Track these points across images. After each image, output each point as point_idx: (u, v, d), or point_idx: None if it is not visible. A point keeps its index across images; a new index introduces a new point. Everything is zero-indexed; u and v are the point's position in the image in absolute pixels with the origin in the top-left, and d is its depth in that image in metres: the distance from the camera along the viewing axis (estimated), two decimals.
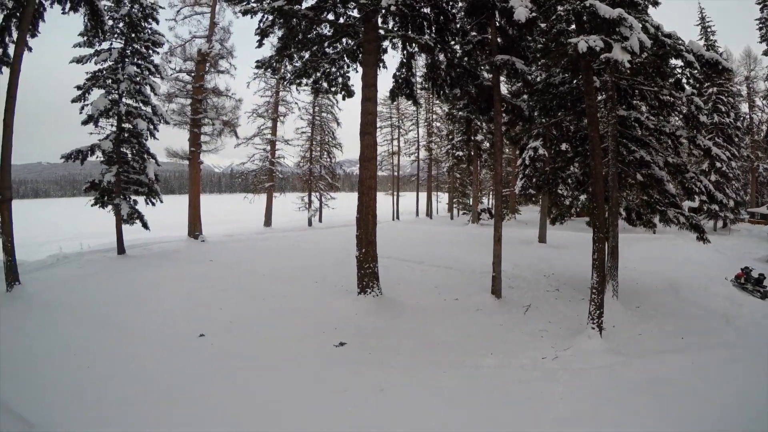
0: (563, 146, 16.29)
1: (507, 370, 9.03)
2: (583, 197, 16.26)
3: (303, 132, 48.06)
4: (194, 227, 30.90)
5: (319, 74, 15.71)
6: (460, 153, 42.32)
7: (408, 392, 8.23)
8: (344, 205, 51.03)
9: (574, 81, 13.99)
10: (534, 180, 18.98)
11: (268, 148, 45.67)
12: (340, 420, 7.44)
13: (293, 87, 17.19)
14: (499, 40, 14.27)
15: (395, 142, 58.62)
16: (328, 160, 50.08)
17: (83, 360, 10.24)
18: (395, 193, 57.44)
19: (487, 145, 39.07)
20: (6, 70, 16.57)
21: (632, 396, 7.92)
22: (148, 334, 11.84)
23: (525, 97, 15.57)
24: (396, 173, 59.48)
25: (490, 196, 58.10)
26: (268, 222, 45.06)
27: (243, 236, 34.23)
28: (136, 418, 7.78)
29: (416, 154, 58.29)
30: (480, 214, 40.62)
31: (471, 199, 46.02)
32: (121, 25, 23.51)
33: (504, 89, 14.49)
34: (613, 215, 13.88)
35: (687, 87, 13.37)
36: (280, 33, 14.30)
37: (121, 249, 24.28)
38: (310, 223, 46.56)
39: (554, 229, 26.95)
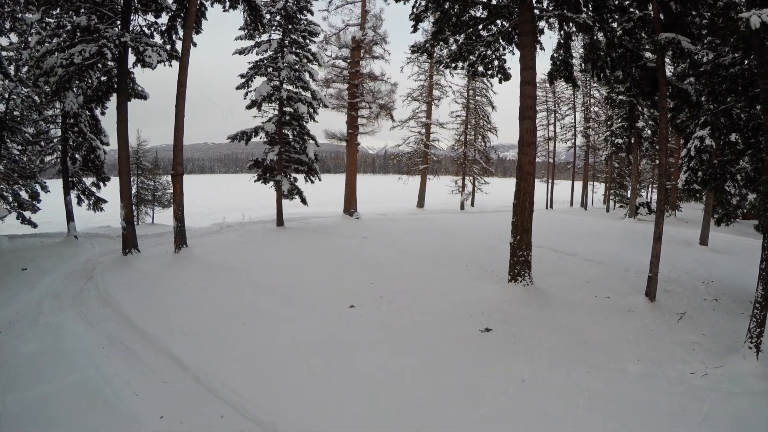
0: (732, 136, 14.83)
1: (652, 380, 8.40)
2: (752, 196, 14.81)
3: (457, 115, 48.12)
4: (350, 205, 32.26)
5: (474, 57, 15.35)
6: (620, 140, 39.51)
7: (548, 387, 8.00)
8: (497, 190, 50.46)
9: (746, 62, 12.54)
10: (699, 174, 17.49)
11: (423, 131, 46.31)
12: (477, 404, 7.44)
13: (447, 71, 17.08)
14: (661, 16, 12.89)
15: (551, 128, 56.41)
16: (483, 144, 49.67)
17: (239, 317, 11.26)
18: (550, 180, 55.62)
19: (649, 132, 36.72)
20: (175, 64, 18.66)
21: None
22: (302, 300, 12.63)
23: (691, 80, 14.30)
24: (551, 160, 57.52)
25: (649, 190, 54.44)
26: (420, 203, 45.82)
27: (396, 216, 35.13)
28: (284, 375, 8.40)
29: (573, 141, 55.88)
30: (638, 208, 38.11)
31: (629, 192, 43.41)
32: (278, 18, 25.13)
33: (667, 71, 13.36)
34: None
35: None
36: (433, 17, 14.25)
37: (280, 221, 26.34)
38: (462, 207, 46.65)
39: (718, 230, 24.55)
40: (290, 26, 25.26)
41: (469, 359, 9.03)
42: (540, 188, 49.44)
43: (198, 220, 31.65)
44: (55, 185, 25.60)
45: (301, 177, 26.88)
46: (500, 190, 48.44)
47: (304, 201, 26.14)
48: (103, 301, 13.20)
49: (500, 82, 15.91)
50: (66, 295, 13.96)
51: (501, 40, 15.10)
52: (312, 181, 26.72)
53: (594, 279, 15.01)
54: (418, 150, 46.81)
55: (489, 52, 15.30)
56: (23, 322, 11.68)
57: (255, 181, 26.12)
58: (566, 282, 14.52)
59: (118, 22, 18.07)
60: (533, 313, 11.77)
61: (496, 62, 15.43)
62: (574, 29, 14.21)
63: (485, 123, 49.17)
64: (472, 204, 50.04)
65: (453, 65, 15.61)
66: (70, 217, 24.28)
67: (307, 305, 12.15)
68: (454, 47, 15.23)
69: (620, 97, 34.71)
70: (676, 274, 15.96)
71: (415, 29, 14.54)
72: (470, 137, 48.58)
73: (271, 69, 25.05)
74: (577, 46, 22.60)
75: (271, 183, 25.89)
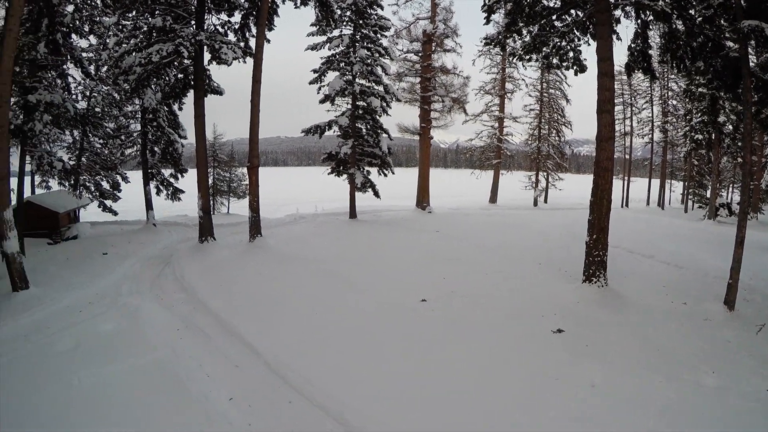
0: None
1: (726, 394, 7.87)
2: None
3: (531, 109, 47.37)
4: (422, 198, 32.70)
5: (548, 49, 14.99)
6: (699, 136, 37.27)
7: (618, 395, 7.71)
8: (570, 186, 49.29)
9: None
10: None
11: (496, 125, 46.01)
12: (546, 407, 7.27)
13: (520, 63, 16.77)
14: (742, 2, 11.96)
15: (627, 122, 53.93)
16: (557, 138, 48.65)
17: (311, 307, 11.50)
18: (626, 177, 53.50)
19: (731, 128, 34.88)
20: (249, 60, 19.25)
21: None
22: (374, 292, 12.76)
23: None
24: (628, 156, 55.42)
25: (730, 190, 51.59)
26: (493, 198, 45.66)
27: (468, 210, 35.21)
28: (354, 365, 8.52)
29: (650, 136, 53.45)
30: (718, 209, 36.21)
31: (708, 191, 41.27)
32: (348, 13, 25.45)
33: (750, 61, 12.46)
34: None
35: None
36: (505, 9, 14.01)
37: (352, 214, 27.02)
38: (535, 203, 45.99)
39: None
40: (361, 21, 25.53)
41: (539, 360, 8.85)
42: (615, 186, 46.68)
43: (271, 211, 32.40)
44: (135, 176, 26.86)
45: (373, 170, 27.32)
46: (574, 187, 47.33)
47: (376, 194, 26.65)
48: (180, 286, 13.78)
49: (576, 74, 15.48)
50: (144, 279, 14.68)
51: (576, 31, 14.69)
52: (385, 175, 27.23)
53: (671, 283, 14.36)
54: (491, 144, 46.45)
55: (563, 43, 14.90)
56: (103, 302, 12.40)
57: (329, 174, 26.85)
58: (642, 285, 13.97)
59: (193, 22, 18.80)
60: (607, 316, 11.41)
61: (570, 54, 15.03)
62: (651, 17, 13.61)
63: (559, 117, 48.09)
64: (545, 200, 49.19)
65: (527, 57, 15.30)
66: (149, 206, 25.44)
67: (379, 297, 12.26)
68: (527, 39, 14.90)
69: (700, 89, 33.05)
70: (756, 282, 14.93)
71: (487, 21, 14.41)
72: (544, 131, 47.64)
73: (343, 64, 25.50)
74: (655, 36, 21.87)
75: (345, 176, 26.51)
